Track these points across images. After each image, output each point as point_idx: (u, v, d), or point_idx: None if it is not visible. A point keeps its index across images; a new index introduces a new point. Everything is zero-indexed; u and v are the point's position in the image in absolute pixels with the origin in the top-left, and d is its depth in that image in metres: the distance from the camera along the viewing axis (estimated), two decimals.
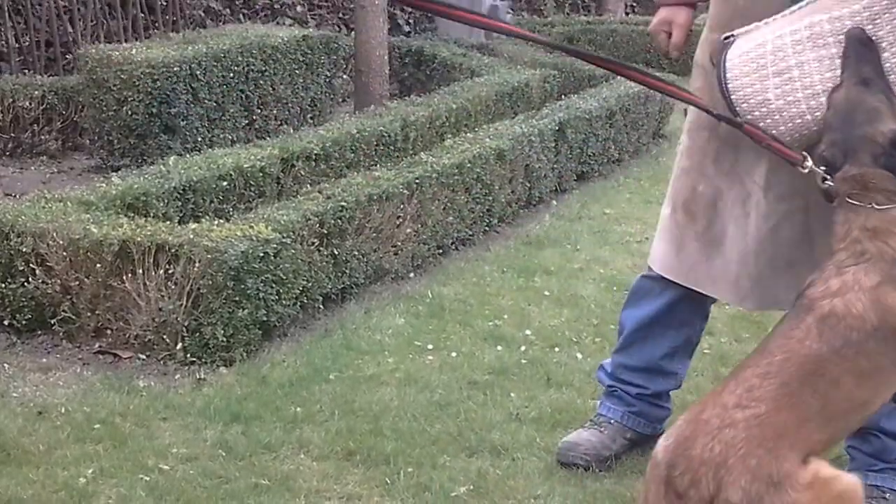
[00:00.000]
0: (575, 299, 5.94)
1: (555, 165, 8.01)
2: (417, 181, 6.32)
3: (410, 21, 13.80)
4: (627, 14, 16.25)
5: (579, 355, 5.16)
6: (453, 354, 5.13)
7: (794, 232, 3.71)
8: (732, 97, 3.43)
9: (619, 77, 10.17)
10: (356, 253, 5.80)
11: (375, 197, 5.95)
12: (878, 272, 3.09)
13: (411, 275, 6.27)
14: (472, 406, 4.59)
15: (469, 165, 6.81)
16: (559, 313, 5.72)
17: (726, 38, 3.49)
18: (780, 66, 3.34)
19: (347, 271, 5.75)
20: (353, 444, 4.20)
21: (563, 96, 9.41)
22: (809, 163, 3.32)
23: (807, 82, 3.32)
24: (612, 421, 4.19)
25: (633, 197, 8.19)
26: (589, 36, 13.88)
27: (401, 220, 6.17)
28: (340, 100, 10.56)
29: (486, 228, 7.12)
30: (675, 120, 10.12)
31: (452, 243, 6.75)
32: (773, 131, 3.39)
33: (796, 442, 2.93)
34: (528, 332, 5.41)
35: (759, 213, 3.73)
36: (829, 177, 3.25)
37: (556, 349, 5.23)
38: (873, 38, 3.27)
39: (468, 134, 7.52)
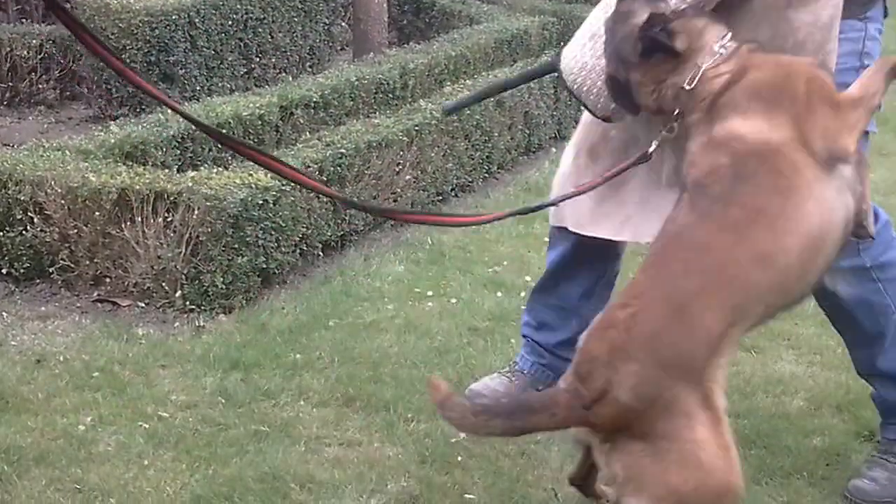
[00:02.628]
0: None
1: (554, 112, 7.94)
2: (417, 128, 6.26)
3: None
4: None
5: None
6: (453, 301, 5.09)
7: None
8: (563, 76, 3.44)
9: None
10: (356, 200, 5.74)
11: (375, 144, 5.89)
12: (711, 121, 2.99)
13: None
14: (473, 352, 4.55)
15: (468, 112, 6.74)
16: None
17: None
18: (593, 31, 3.37)
19: (347, 218, 5.70)
20: (352, 390, 4.17)
21: (561, 43, 9.30)
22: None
23: None
24: (523, 371, 4.18)
25: None
26: None
27: (400, 167, 6.11)
28: (339, 48, 10.45)
29: (486, 175, 7.06)
30: None
31: (452, 190, 6.69)
32: (595, 89, 3.38)
33: (679, 337, 2.81)
34: (527, 278, 5.36)
35: (665, 156, 3.57)
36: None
37: None
38: None
39: (467, 81, 7.44)
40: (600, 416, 2.82)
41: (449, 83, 7.65)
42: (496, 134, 7.08)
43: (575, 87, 3.42)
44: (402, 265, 5.52)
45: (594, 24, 3.39)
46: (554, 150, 7.87)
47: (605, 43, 3.24)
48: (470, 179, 6.87)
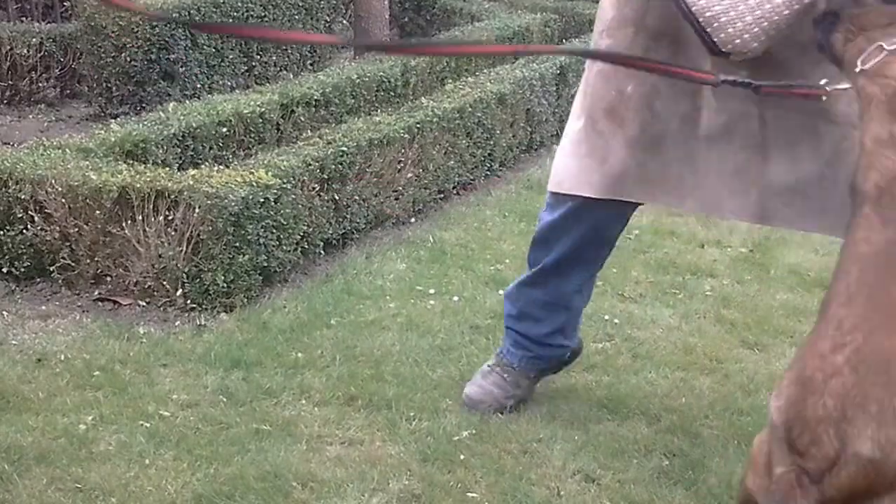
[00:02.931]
0: None
1: (556, 109, 7.93)
2: (418, 126, 6.25)
3: None
4: None
5: None
6: (455, 299, 5.08)
7: (748, 137, 3.53)
8: (691, 3, 3.23)
9: None
10: (357, 198, 5.74)
11: (376, 142, 5.88)
12: (893, 114, 2.78)
13: (412, 220, 6.22)
14: (475, 350, 4.54)
15: (470, 110, 6.74)
16: None
17: None
18: None
19: (348, 216, 5.69)
20: (354, 389, 4.16)
21: (563, 40, 9.32)
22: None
23: None
24: (512, 365, 4.08)
25: None
26: None
27: (402, 164, 6.10)
28: (340, 46, 10.44)
29: (488, 173, 7.06)
30: None
31: (454, 188, 6.68)
32: (741, 23, 3.20)
33: None
34: None
35: (710, 108, 3.51)
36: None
37: None
38: None
39: (469, 78, 7.44)
40: (834, 487, 2.51)
41: (451, 80, 7.64)
42: (498, 131, 7.08)
43: (707, 14, 3.19)
44: (403, 263, 5.51)
45: None
46: (555, 146, 7.80)
47: None
48: (472, 177, 6.86)
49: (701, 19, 3.22)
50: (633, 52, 3.50)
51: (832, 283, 2.73)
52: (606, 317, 4.92)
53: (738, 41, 3.21)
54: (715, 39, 3.23)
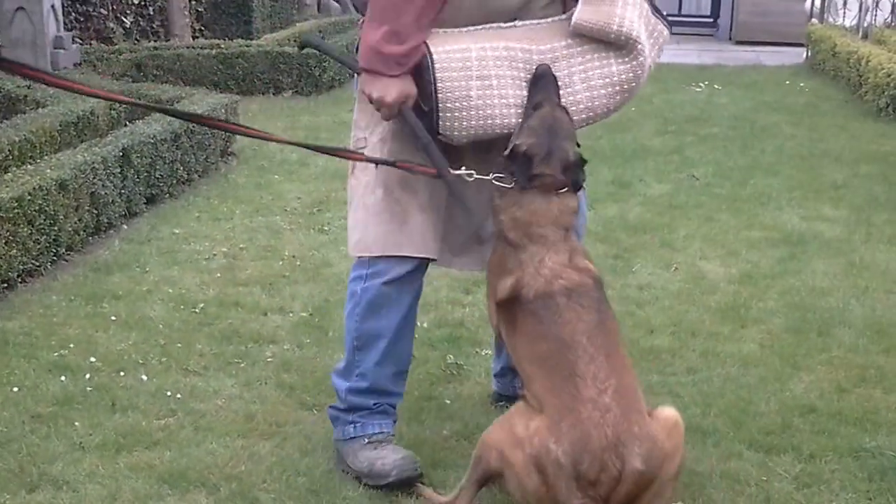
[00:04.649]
0: (143, 321, 5.71)
1: (122, 190, 7.72)
2: None
3: None
4: (195, 38, 15.90)
5: (144, 377, 4.97)
6: (15, 389, 4.81)
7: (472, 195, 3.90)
8: (438, 85, 3.62)
9: (182, 100, 10.04)
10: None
11: None
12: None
13: None
14: (35, 440, 4.33)
15: (30, 198, 6.44)
16: (126, 337, 5.49)
17: None
18: (483, 73, 3.64)
19: None
20: None
21: (128, 122, 9.12)
22: (455, 173, 3.73)
23: (503, 93, 3.67)
24: (390, 435, 4.15)
25: (202, 215, 7.99)
26: (156, 61, 13.44)
27: None
28: None
29: (54, 258, 6.75)
30: (241, 138, 10.01)
31: (18, 276, 6.33)
32: (466, 123, 3.67)
33: (639, 393, 3.45)
34: (93, 359, 5.16)
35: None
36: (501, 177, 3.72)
37: (122, 373, 5.01)
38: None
39: (29, 166, 7.14)
40: (616, 501, 3.28)
41: (14, 167, 7.31)
42: (62, 216, 6.80)
43: (441, 104, 3.64)
44: None
45: (482, 63, 3.65)
46: (125, 227, 7.64)
47: (540, 128, 3.64)
48: (37, 264, 6.55)
49: (440, 103, 3.64)
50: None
51: (567, 354, 3.41)
52: (169, 392, 4.81)
53: (456, 133, 3.70)
54: (441, 128, 3.69)
